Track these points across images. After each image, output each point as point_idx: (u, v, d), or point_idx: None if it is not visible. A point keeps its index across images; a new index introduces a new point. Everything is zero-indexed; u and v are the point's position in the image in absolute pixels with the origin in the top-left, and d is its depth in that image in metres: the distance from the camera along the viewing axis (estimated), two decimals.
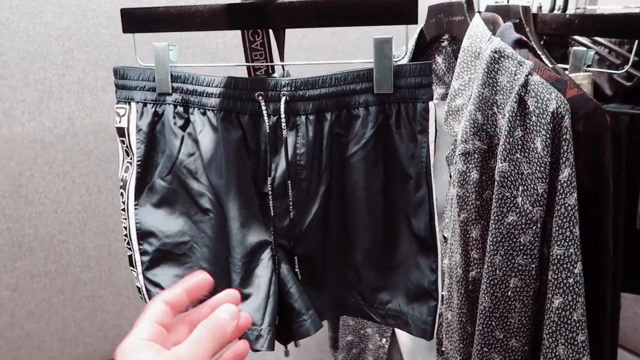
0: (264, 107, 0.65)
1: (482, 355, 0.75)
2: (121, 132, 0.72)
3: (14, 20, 0.97)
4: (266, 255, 0.68)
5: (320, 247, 0.68)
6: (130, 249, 0.73)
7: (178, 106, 0.70)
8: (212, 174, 0.68)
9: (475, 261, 0.77)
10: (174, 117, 0.70)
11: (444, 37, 0.90)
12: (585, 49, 0.82)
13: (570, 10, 0.97)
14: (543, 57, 0.81)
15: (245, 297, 0.67)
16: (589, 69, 0.83)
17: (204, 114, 0.69)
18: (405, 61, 0.65)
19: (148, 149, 0.71)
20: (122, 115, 0.72)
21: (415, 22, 0.60)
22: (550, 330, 0.69)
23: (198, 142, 0.69)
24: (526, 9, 0.84)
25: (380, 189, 0.65)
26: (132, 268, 0.74)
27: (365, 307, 0.71)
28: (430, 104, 0.61)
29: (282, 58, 0.72)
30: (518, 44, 0.78)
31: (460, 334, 0.80)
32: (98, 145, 1.05)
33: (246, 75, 0.73)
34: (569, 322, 0.67)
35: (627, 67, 0.77)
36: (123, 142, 0.72)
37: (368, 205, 0.65)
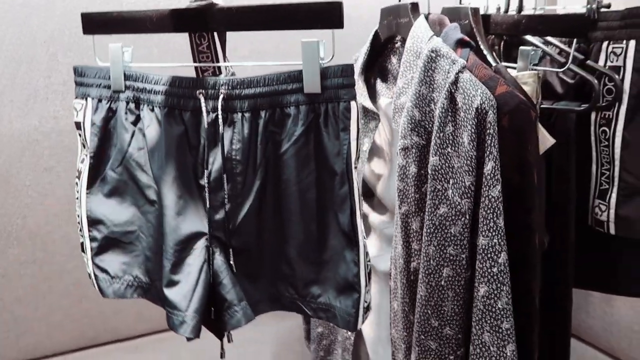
0: (203, 105, 0.69)
1: (419, 342, 0.78)
2: (78, 125, 0.77)
3: (1, 26, 1.05)
4: (200, 245, 0.71)
5: (255, 241, 0.71)
6: (82, 235, 0.79)
7: (130, 103, 0.75)
8: (154, 165, 0.73)
9: (415, 252, 0.80)
10: (126, 113, 0.75)
11: (397, 39, 0.93)
12: (531, 48, 0.84)
13: (529, 10, 0.99)
14: (488, 57, 0.84)
15: (174, 284, 0.71)
16: (535, 67, 0.85)
17: (152, 110, 0.74)
18: (331, 64, 0.68)
19: (101, 141, 0.76)
20: (79, 110, 0.78)
21: (341, 26, 0.62)
22: (477, 318, 0.71)
23: (146, 136, 0.74)
24: (475, 10, 0.87)
25: (311, 185, 0.67)
26: (83, 254, 0.80)
27: (299, 301, 0.73)
28: (352, 103, 0.63)
29: (224, 59, 0.77)
30: (460, 44, 0.81)
31: (404, 322, 0.83)
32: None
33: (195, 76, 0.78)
34: (493, 309, 0.70)
35: (567, 65, 0.79)
36: (80, 135, 0.78)
37: (300, 200, 0.68)
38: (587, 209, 0.90)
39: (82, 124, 0.77)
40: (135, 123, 0.75)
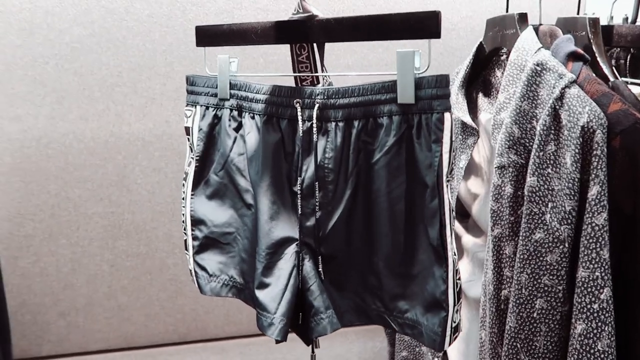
0: (299, 113, 0.74)
1: None
2: (187, 131, 0.88)
3: (128, 38, 1.21)
4: (290, 250, 0.76)
5: (344, 249, 0.74)
6: (185, 233, 0.88)
7: (233, 110, 0.83)
8: (252, 170, 0.80)
9: (507, 279, 0.78)
10: (230, 120, 0.83)
11: (502, 51, 0.92)
12: None
13: None
14: (606, 70, 0.80)
15: (265, 286, 0.77)
16: None
17: (252, 117, 0.81)
18: (427, 74, 0.70)
19: (207, 146, 0.85)
20: (189, 117, 0.88)
21: (438, 36, 0.64)
22: (573, 359, 0.67)
23: (246, 142, 0.81)
24: (594, 21, 0.83)
25: (402, 197, 0.69)
26: (186, 251, 0.89)
27: (386, 315, 0.75)
28: (446, 114, 0.64)
29: (322, 70, 0.82)
30: (572, 57, 0.78)
31: (491, 354, 0.81)
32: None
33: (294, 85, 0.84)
34: (592, 351, 0.65)
35: None
36: (188, 139, 0.88)
37: (390, 212, 0.70)
38: None
39: (190, 129, 0.86)
40: (237, 129, 0.82)
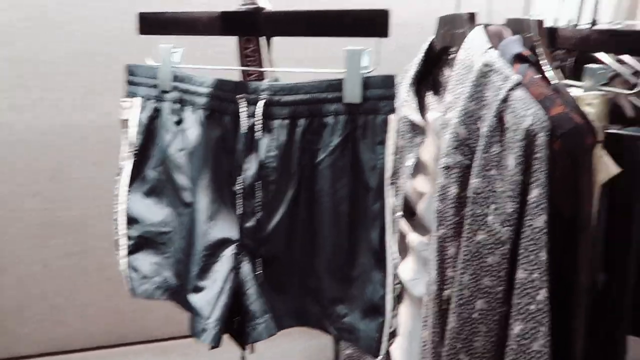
0: (243, 109, 0.72)
1: None
2: (124, 123, 0.84)
3: (66, 22, 1.15)
4: (229, 252, 0.74)
5: (285, 251, 0.73)
6: (117, 232, 0.84)
7: (175, 103, 0.80)
8: (192, 167, 0.77)
9: (450, 279, 0.78)
10: (170, 113, 0.80)
11: (452, 50, 0.92)
12: (599, 66, 0.80)
13: (605, 25, 0.95)
14: (549, 73, 0.81)
15: (199, 289, 0.74)
16: (604, 88, 0.81)
17: (194, 112, 0.78)
18: (377, 72, 0.69)
19: (145, 140, 0.82)
20: (127, 108, 0.84)
21: (386, 35, 0.63)
22: (510, 359, 0.68)
23: (187, 137, 0.78)
24: (540, 22, 0.84)
25: (345, 199, 0.68)
26: (116, 252, 0.85)
27: (324, 319, 0.74)
28: (391, 116, 0.64)
29: (269, 64, 0.80)
30: (518, 59, 0.79)
31: (433, 354, 0.81)
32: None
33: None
34: (528, 351, 0.67)
35: (637, 89, 0.74)
36: (125, 132, 0.84)
37: (333, 213, 0.69)
38: None
39: (128, 122, 0.82)
40: (178, 123, 0.79)
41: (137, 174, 0.83)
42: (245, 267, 0.73)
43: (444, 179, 0.77)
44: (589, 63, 0.93)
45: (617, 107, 0.86)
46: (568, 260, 0.67)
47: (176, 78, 0.80)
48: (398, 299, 0.70)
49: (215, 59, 1.26)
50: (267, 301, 0.74)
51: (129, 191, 0.83)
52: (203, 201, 0.75)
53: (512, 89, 0.71)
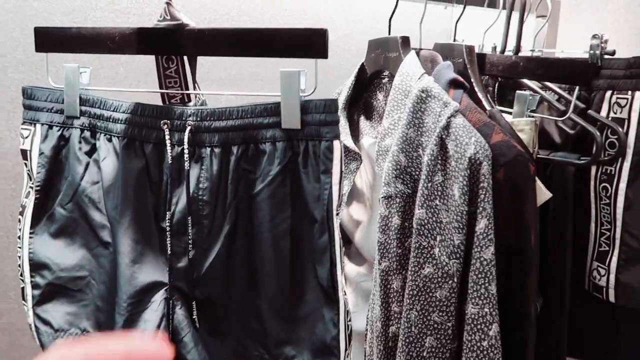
0: (167, 137, 0.64)
1: None
2: (24, 154, 0.72)
3: None
4: (158, 297, 0.66)
5: (222, 292, 0.66)
6: (23, 281, 0.72)
7: (85, 131, 0.70)
8: (109, 203, 0.67)
9: (395, 315, 0.74)
10: (80, 142, 0.70)
11: (384, 74, 0.90)
12: (529, 93, 0.81)
13: (527, 52, 0.97)
14: (483, 99, 0.81)
15: None
16: (533, 114, 0.82)
17: (109, 140, 0.68)
18: (313, 97, 0.64)
19: (50, 173, 0.71)
20: (26, 137, 0.72)
21: (325, 56, 0.60)
22: None
23: (101, 169, 0.68)
24: (470, 48, 0.84)
25: (287, 232, 0.63)
26: (23, 302, 0.72)
27: None
28: (335, 142, 0.60)
29: (194, 87, 0.72)
30: (452, 84, 0.77)
31: None
32: None
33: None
34: None
35: (568, 114, 0.76)
36: (26, 165, 0.72)
37: (274, 248, 0.63)
38: (584, 272, 0.85)
39: (28, 153, 0.71)
40: (90, 154, 0.70)
41: (42, 213, 0.71)
42: (179, 313, 0.66)
43: (385, 209, 0.74)
44: (511, 88, 0.95)
45: (545, 132, 0.88)
46: (517, 290, 0.66)
47: (85, 102, 0.70)
48: (350, 337, 0.65)
49: (127, 79, 1.15)
50: (205, 348, 0.66)
51: (34, 233, 0.71)
52: (125, 242, 0.65)
53: (452, 116, 0.69)
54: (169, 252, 0.65)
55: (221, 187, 0.63)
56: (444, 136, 0.68)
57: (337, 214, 0.62)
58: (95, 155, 0.69)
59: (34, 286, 0.72)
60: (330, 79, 1.23)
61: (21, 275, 0.72)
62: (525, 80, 0.88)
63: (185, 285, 0.66)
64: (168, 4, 0.70)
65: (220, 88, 1.21)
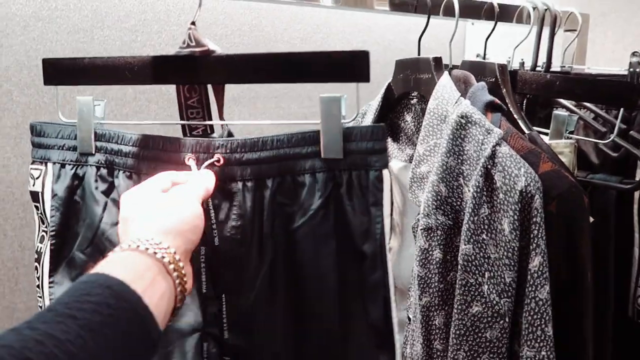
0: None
1: None
2: (35, 196, 0.67)
3: None
4: (191, 342, 0.61)
5: (262, 339, 0.61)
6: None
7: (101, 168, 0.65)
8: None
9: (438, 353, 0.70)
10: (97, 181, 0.65)
11: (412, 94, 0.86)
12: (567, 113, 0.77)
13: (556, 67, 0.94)
14: (520, 122, 0.77)
15: None
16: (571, 135, 0.78)
17: (129, 177, 0.64)
18: (355, 123, 0.60)
19: (65, 217, 0.66)
20: (37, 178, 0.67)
21: (367, 80, 0.56)
22: None
23: None
24: (502, 67, 0.80)
25: (332, 269, 0.58)
26: None
27: None
28: (385, 172, 0.56)
29: (221, 116, 0.67)
30: (490, 108, 0.73)
31: None
32: None
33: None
34: None
35: (612, 137, 0.72)
36: (37, 207, 0.67)
37: (318, 287, 0.58)
38: (627, 298, 0.82)
39: (40, 195, 0.66)
40: (107, 193, 0.65)
41: (61, 259, 0.67)
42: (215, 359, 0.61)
43: (425, 241, 0.69)
44: (541, 106, 0.92)
45: (581, 153, 0.84)
46: (572, 333, 0.62)
47: (101, 137, 0.65)
48: None
49: (138, 100, 1.10)
50: None
51: (53, 281, 0.67)
52: None
53: (497, 144, 0.64)
54: (203, 294, 0.61)
55: (256, 224, 0.59)
56: (489, 166, 0.64)
57: (390, 249, 0.58)
58: (114, 194, 0.64)
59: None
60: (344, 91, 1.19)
61: None
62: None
63: (218, 331, 0.61)
64: (192, 28, 0.66)
65: (233, 106, 1.17)
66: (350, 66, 0.55)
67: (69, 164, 0.66)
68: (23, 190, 1.00)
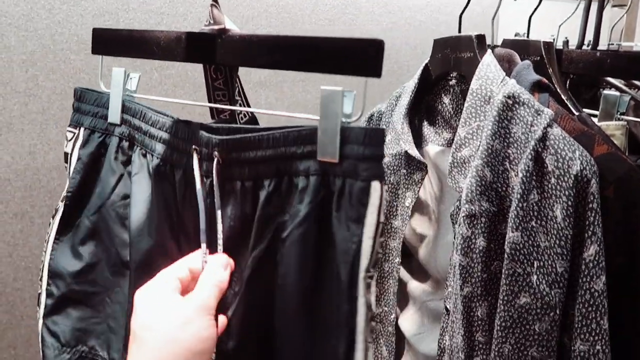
0: (196, 165, 0.54)
1: None
2: (65, 157, 0.68)
3: None
4: None
5: (238, 346, 0.54)
6: (40, 286, 0.68)
7: (124, 140, 0.64)
8: (134, 225, 0.59)
9: (480, 345, 0.67)
10: (117, 152, 0.65)
11: (451, 75, 0.82)
12: (618, 93, 0.73)
13: (603, 46, 0.89)
14: (568, 103, 0.73)
15: None
16: (622, 117, 0.74)
17: (144, 155, 0.61)
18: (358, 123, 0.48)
19: (83, 181, 0.66)
20: (69, 140, 0.68)
21: (378, 75, 0.46)
22: None
23: (132, 184, 0.62)
24: (549, 45, 0.76)
25: (309, 291, 0.49)
26: (37, 308, 0.69)
27: None
28: (374, 184, 0.45)
29: (230, 100, 0.65)
30: (537, 87, 0.70)
31: None
32: (62, 183, 0.98)
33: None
34: None
35: None
36: (66, 168, 0.68)
37: (294, 311, 0.50)
38: None
39: (69, 157, 0.67)
40: (124, 165, 0.64)
41: (70, 221, 0.67)
42: None
43: (468, 229, 0.66)
44: (587, 86, 0.87)
45: (631, 135, 0.80)
46: (629, 325, 0.58)
47: (127, 110, 0.64)
48: None
49: (164, 84, 1.08)
50: None
51: (58, 240, 0.67)
52: (145, 270, 0.57)
53: (549, 126, 0.61)
54: None
55: (246, 227, 0.52)
56: (540, 149, 0.60)
57: (370, 277, 0.46)
58: (130, 168, 0.63)
59: (48, 294, 0.67)
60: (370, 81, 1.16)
61: (40, 279, 0.69)
62: (608, 77, 0.79)
63: None
64: (213, 5, 0.63)
65: (260, 90, 1.14)
66: (359, 57, 0.47)
67: (98, 132, 0.66)
68: (50, 177, 0.99)
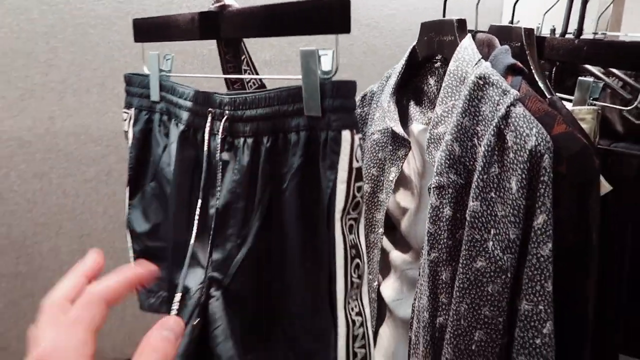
0: (208, 125, 0.62)
1: None
2: (126, 135, 0.79)
3: None
4: (195, 285, 0.64)
5: (254, 291, 0.62)
6: (128, 241, 0.81)
7: (164, 115, 0.74)
8: (171, 187, 0.70)
9: (443, 306, 0.73)
10: (160, 125, 0.75)
11: (436, 57, 0.87)
12: (592, 79, 0.77)
13: (589, 35, 0.92)
14: (542, 86, 0.77)
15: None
16: (595, 102, 0.78)
17: (177, 125, 0.70)
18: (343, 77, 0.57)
19: (139, 154, 0.78)
20: (125, 120, 0.79)
21: (347, 31, 0.50)
22: None
23: (171, 152, 0.71)
24: (529, 31, 0.80)
25: (308, 233, 0.55)
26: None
27: None
28: (344, 133, 0.50)
29: (224, 71, 0.73)
30: (511, 71, 0.74)
31: None
32: (78, 147, 1.07)
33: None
34: None
35: (636, 103, 0.71)
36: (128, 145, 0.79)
37: (301, 252, 0.56)
38: None
39: (127, 135, 0.79)
40: (167, 136, 0.74)
41: (137, 189, 0.79)
42: (215, 304, 0.62)
43: (437, 199, 0.72)
44: (570, 74, 0.91)
45: (606, 121, 0.83)
46: (575, 291, 0.64)
47: (163, 88, 0.74)
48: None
49: (181, 71, 1.16)
50: (235, 344, 0.62)
51: (131, 205, 0.80)
52: (176, 227, 0.67)
53: (512, 105, 0.66)
54: (209, 242, 0.63)
55: (252, 180, 0.59)
56: (502, 126, 0.65)
57: (353, 218, 0.52)
58: (169, 139, 0.73)
59: (133, 250, 0.80)
60: (376, 59, 1.21)
61: (126, 235, 0.82)
62: (587, 65, 0.83)
63: (221, 276, 0.63)
64: None
65: (265, 68, 1.20)
66: (328, 16, 0.50)
67: (144, 110, 0.76)
68: (67, 142, 1.08)
